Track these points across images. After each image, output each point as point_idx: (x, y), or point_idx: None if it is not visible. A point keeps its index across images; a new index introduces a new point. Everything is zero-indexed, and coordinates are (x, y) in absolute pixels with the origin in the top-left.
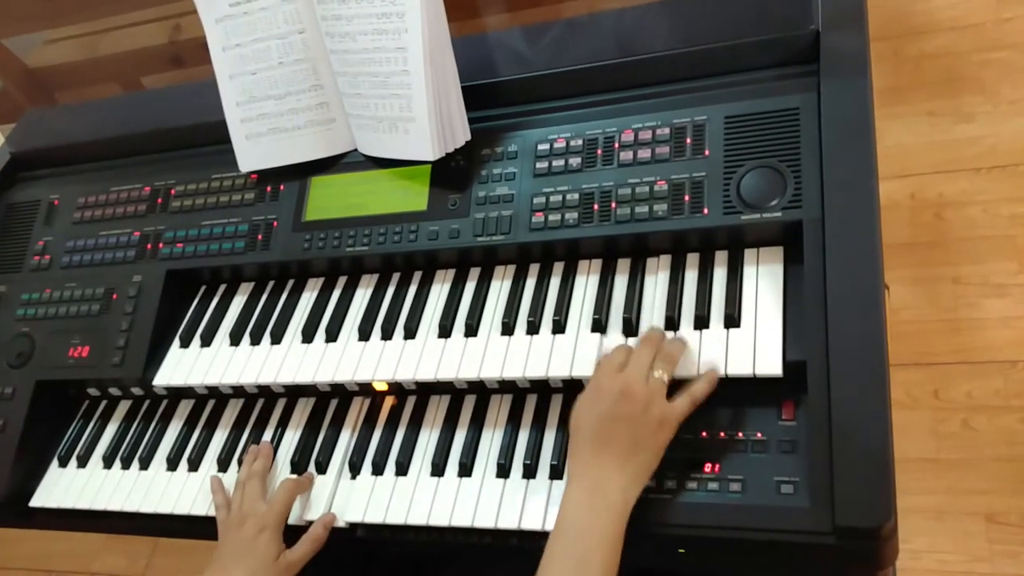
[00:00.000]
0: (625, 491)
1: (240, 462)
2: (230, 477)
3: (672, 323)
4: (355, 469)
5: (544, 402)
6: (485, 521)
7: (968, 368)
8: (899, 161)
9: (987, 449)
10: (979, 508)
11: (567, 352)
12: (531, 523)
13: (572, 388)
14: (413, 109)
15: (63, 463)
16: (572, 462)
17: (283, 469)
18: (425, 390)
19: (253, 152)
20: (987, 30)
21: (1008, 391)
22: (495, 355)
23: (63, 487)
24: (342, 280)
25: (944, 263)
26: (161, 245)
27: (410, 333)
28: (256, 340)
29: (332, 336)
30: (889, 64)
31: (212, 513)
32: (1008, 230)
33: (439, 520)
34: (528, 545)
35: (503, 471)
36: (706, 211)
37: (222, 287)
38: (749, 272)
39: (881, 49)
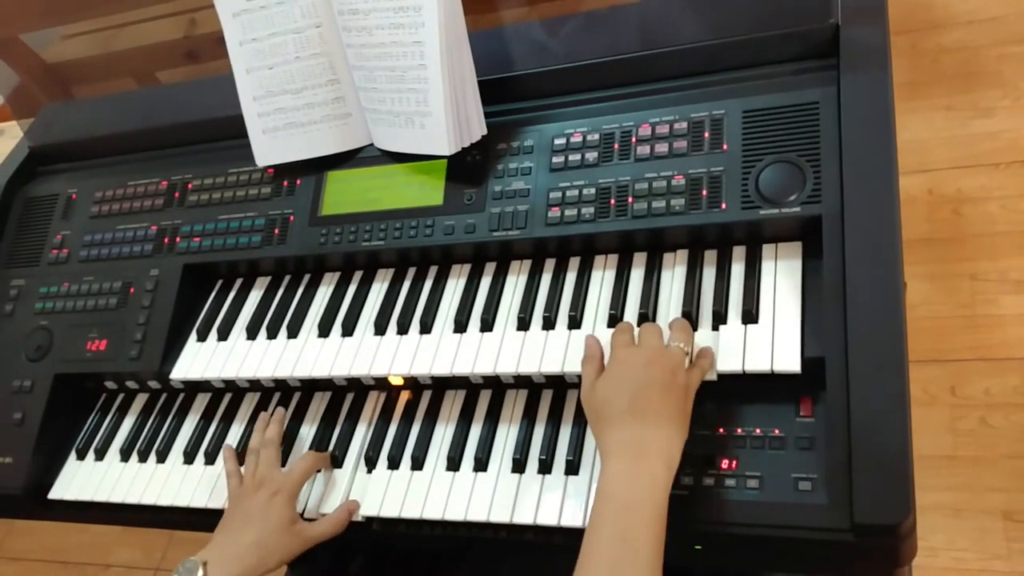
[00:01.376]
0: (668, 460)
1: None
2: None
3: (689, 319)
4: (371, 463)
5: (560, 397)
6: (500, 516)
7: (986, 365)
8: (917, 156)
9: (1005, 446)
10: (996, 505)
11: (583, 348)
12: (546, 518)
13: None
14: (429, 103)
15: (81, 456)
16: (608, 434)
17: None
18: (441, 385)
19: (270, 146)
20: (1006, 24)
21: None
22: (511, 350)
23: (81, 480)
24: (358, 275)
25: (962, 259)
26: (178, 239)
27: (426, 328)
28: (273, 334)
29: (348, 330)
30: (907, 58)
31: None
32: None
33: (454, 514)
34: (543, 540)
35: (519, 466)
36: (724, 206)
37: (239, 281)
38: (767, 267)
39: (899, 43)
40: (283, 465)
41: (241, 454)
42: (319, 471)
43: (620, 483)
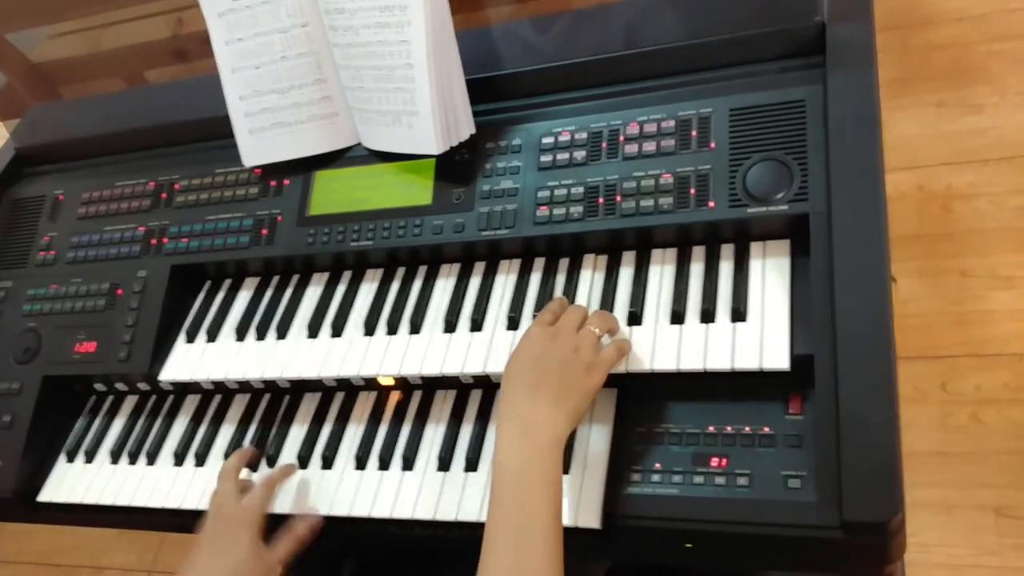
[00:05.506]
0: (555, 427)
1: None
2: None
3: (678, 317)
4: (361, 464)
5: None
6: None
7: (976, 361)
8: (906, 153)
9: (996, 442)
10: (988, 501)
11: None
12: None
13: None
14: (417, 102)
15: (70, 458)
16: (502, 406)
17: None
18: (431, 385)
19: (257, 146)
20: (994, 20)
21: (1016, 384)
22: (501, 349)
23: (70, 482)
24: (347, 275)
25: (952, 255)
26: (166, 240)
27: (415, 328)
28: (261, 335)
29: (337, 331)
30: (896, 55)
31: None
32: (1016, 222)
33: (445, 515)
34: None
35: None
36: (712, 204)
37: (227, 282)
38: (755, 265)
39: (888, 39)
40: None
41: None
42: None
43: (510, 454)
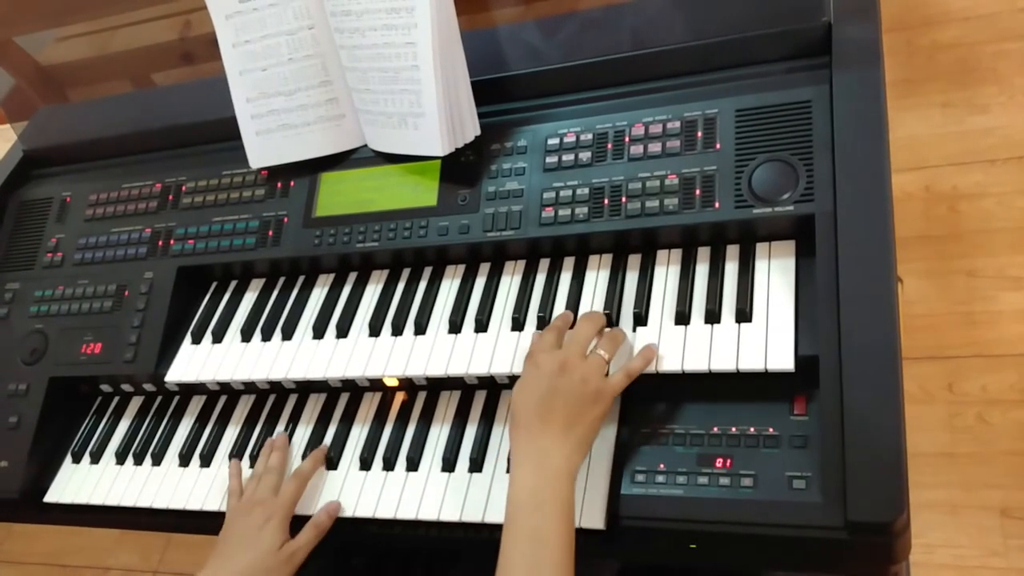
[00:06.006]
0: (568, 467)
1: (252, 458)
2: (245, 471)
3: (683, 318)
4: (366, 465)
5: None
6: (496, 516)
7: (983, 362)
8: (912, 153)
9: (1002, 443)
10: (994, 502)
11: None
12: None
13: None
14: (423, 104)
15: (76, 459)
16: (515, 441)
17: (296, 464)
18: (436, 386)
19: (263, 148)
20: (1001, 20)
21: (1023, 385)
22: (506, 350)
23: (77, 483)
24: (352, 276)
25: (959, 256)
26: (172, 242)
27: (420, 329)
28: (267, 336)
29: (343, 332)
30: (902, 55)
31: (224, 508)
32: (1023, 222)
33: (449, 515)
34: None
35: None
36: (717, 205)
37: (233, 283)
38: (761, 266)
39: (893, 40)
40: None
41: (238, 456)
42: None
43: (525, 489)
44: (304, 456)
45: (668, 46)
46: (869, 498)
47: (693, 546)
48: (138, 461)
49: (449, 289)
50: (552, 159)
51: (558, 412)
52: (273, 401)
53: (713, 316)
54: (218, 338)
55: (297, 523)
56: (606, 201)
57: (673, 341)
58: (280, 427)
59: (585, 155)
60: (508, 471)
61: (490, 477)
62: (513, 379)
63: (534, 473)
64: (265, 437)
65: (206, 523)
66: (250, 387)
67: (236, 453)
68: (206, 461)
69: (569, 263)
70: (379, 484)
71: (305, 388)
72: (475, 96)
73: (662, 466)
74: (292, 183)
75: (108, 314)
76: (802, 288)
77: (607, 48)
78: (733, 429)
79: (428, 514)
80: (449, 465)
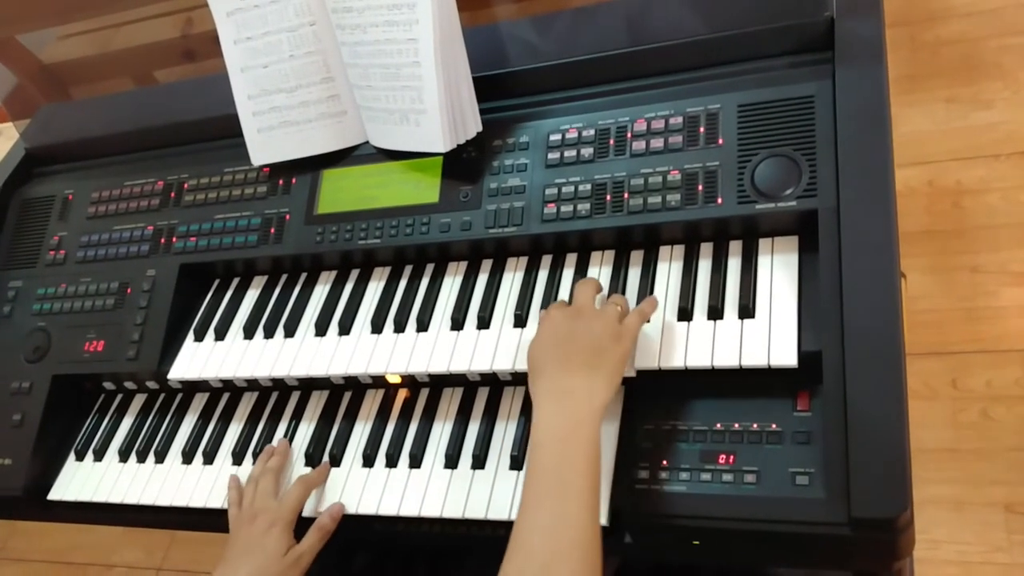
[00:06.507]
0: (594, 395)
1: (255, 455)
2: (244, 470)
3: (686, 314)
4: (369, 461)
5: None
6: (499, 513)
7: (987, 357)
8: (916, 148)
9: (1006, 439)
10: (998, 498)
11: None
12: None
13: None
14: (424, 100)
15: (80, 457)
16: (536, 384)
17: (298, 461)
18: (438, 382)
19: (265, 145)
20: (1005, 15)
21: None
22: (508, 347)
23: (80, 480)
24: (354, 273)
25: (962, 251)
26: (174, 239)
27: (423, 326)
28: (270, 333)
29: (345, 329)
30: (905, 50)
31: (227, 507)
32: None
33: (452, 512)
34: None
35: (516, 463)
36: (720, 201)
37: (235, 281)
38: (763, 262)
39: (897, 35)
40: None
41: (237, 455)
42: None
43: (549, 427)
44: (307, 455)
45: (670, 41)
46: (872, 494)
47: (696, 542)
48: (141, 458)
49: (451, 286)
50: (554, 155)
51: (579, 353)
52: (276, 398)
53: (716, 312)
54: (220, 335)
55: (300, 524)
56: (608, 197)
57: (676, 337)
58: (283, 424)
59: (587, 151)
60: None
61: (493, 474)
62: (516, 375)
63: (560, 411)
64: (268, 434)
65: (209, 520)
66: (253, 384)
67: (239, 450)
68: (209, 458)
69: (572, 259)
70: (382, 481)
71: (308, 385)
72: (477, 92)
73: (665, 463)
74: (294, 180)
75: (111, 312)
76: (805, 284)
77: (609, 44)
78: (736, 425)
79: (431, 511)
80: (452, 462)
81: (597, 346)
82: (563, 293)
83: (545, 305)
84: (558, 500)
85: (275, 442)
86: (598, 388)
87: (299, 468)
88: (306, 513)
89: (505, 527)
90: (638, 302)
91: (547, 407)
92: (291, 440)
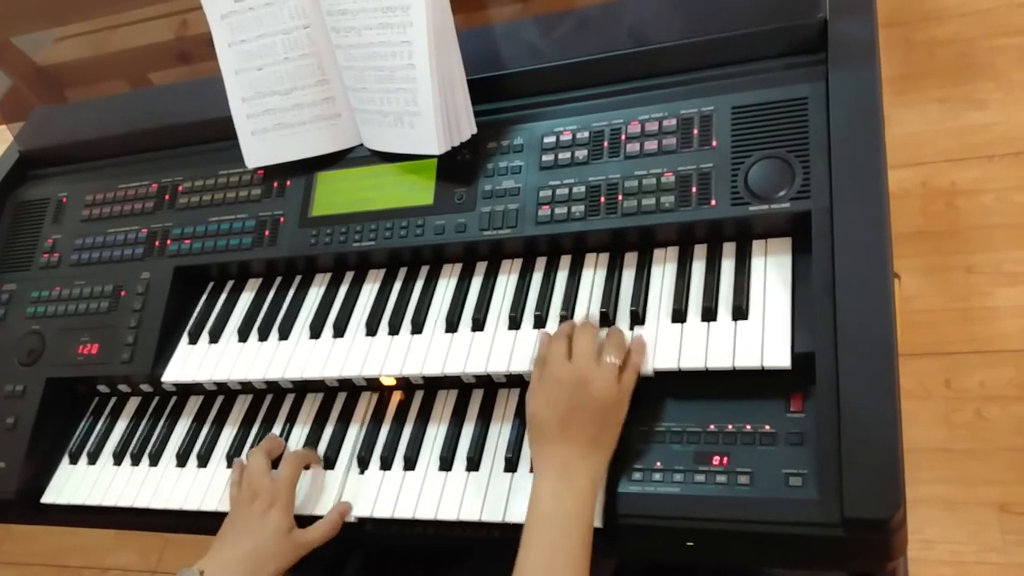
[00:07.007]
0: (593, 477)
1: None
2: None
3: (680, 315)
4: (363, 464)
5: None
6: (493, 515)
7: (981, 357)
8: (910, 149)
9: (1000, 439)
10: (992, 498)
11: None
12: None
13: None
14: (419, 103)
15: (74, 460)
16: (537, 453)
17: None
18: (432, 384)
19: (259, 148)
20: (999, 15)
21: (1021, 380)
22: (502, 349)
23: (74, 484)
24: (349, 275)
25: (956, 251)
26: (169, 242)
27: (417, 328)
28: (264, 336)
29: (340, 331)
30: (899, 51)
31: (223, 508)
32: (1021, 218)
33: (447, 514)
34: None
35: (511, 465)
36: (713, 203)
37: (230, 283)
38: (757, 263)
39: (891, 35)
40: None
41: (231, 458)
42: (308, 468)
43: (548, 500)
44: None
45: (664, 43)
46: (865, 494)
47: (690, 544)
48: (135, 461)
49: (446, 288)
50: (548, 157)
51: (582, 427)
52: (270, 401)
53: (709, 314)
54: (215, 338)
55: (303, 522)
56: (602, 199)
57: (670, 339)
58: (277, 427)
59: (581, 153)
60: (523, 470)
61: (487, 476)
62: (510, 377)
63: (558, 485)
64: (262, 437)
65: (204, 523)
66: (247, 387)
67: (233, 453)
68: (203, 461)
69: (566, 261)
70: (376, 484)
71: (302, 388)
72: (471, 94)
73: (659, 464)
74: (288, 183)
75: (105, 315)
76: (798, 285)
77: (603, 46)
78: (730, 427)
79: (425, 513)
80: (446, 464)
81: (600, 418)
82: (557, 294)
83: (540, 308)
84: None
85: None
86: (598, 461)
87: None
88: (305, 513)
89: (500, 529)
90: (632, 304)
91: (548, 482)
92: (286, 442)
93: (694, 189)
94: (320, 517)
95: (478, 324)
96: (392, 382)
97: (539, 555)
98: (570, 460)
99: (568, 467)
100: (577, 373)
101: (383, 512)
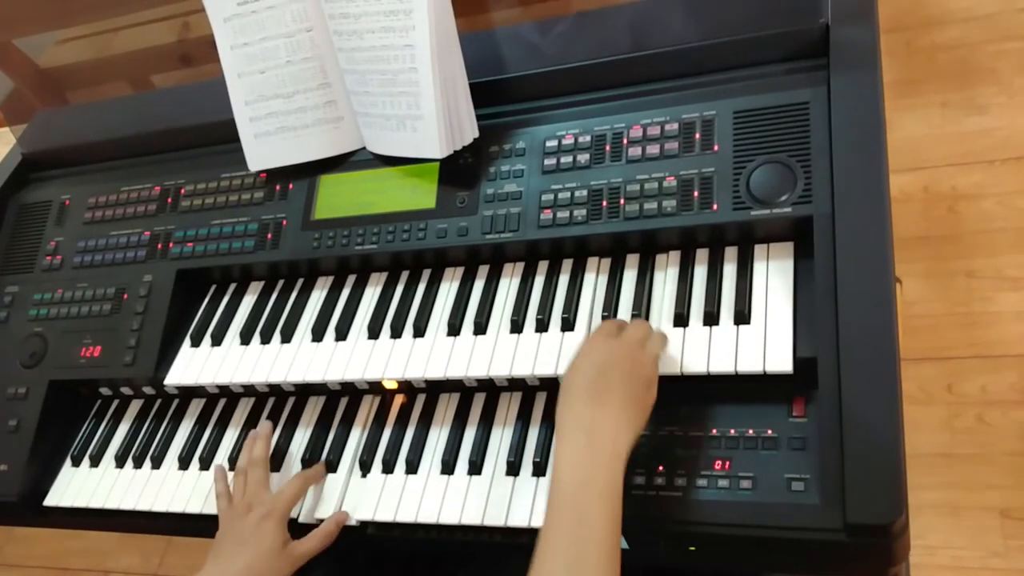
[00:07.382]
0: (620, 439)
1: None
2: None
3: (681, 320)
4: (365, 467)
5: (553, 400)
6: (495, 519)
7: (982, 362)
8: (912, 154)
9: (1002, 444)
10: (994, 503)
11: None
12: (542, 521)
13: None
14: (421, 106)
15: (76, 462)
16: (564, 412)
17: (294, 467)
18: (435, 388)
19: (262, 151)
20: (1001, 20)
21: (1023, 385)
22: (504, 353)
23: (76, 486)
24: (351, 279)
25: (958, 256)
26: (171, 245)
27: (419, 331)
28: (266, 339)
29: (342, 335)
30: (901, 56)
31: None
32: (1023, 222)
33: (449, 518)
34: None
35: (513, 469)
36: (715, 207)
37: (232, 286)
38: (759, 268)
39: (893, 40)
40: (277, 471)
41: (234, 460)
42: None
43: (572, 466)
44: (303, 461)
45: (666, 48)
46: (868, 500)
47: (692, 548)
48: (137, 464)
49: (448, 291)
50: (550, 161)
51: (617, 389)
52: (272, 404)
53: (711, 318)
54: (217, 341)
55: (299, 530)
56: (604, 203)
57: (672, 343)
58: (279, 430)
59: (583, 157)
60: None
61: (489, 479)
62: (512, 381)
63: (585, 451)
64: None
65: (206, 526)
66: (249, 390)
67: (235, 456)
68: (205, 464)
69: (568, 265)
70: (378, 487)
71: (304, 391)
72: (473, 98)
73: (661, 468)
74: (291, 186)
75: (107, 317)
76: (800, 290)
77: (605, 50)
78: (732, 431)
79: (427, 517)
80: (448, 468)
81: (633, 389)
82: (559, 298)
83: (542, 312)
84: (577, 547)
85: (272, 442)
86: (624, 429)
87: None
88: (303, 520)
89: (502, 533)
90: (633, 308)
91: (572, 444)
92: (287, 445)
93: (696, 193)
94: (321, 521)
95: (480, 328)
96: (394, 385)
97: (566, 525)
98: (598, 425)
99: (593, 430)
100: (621, 345)
101: (385, 516)
